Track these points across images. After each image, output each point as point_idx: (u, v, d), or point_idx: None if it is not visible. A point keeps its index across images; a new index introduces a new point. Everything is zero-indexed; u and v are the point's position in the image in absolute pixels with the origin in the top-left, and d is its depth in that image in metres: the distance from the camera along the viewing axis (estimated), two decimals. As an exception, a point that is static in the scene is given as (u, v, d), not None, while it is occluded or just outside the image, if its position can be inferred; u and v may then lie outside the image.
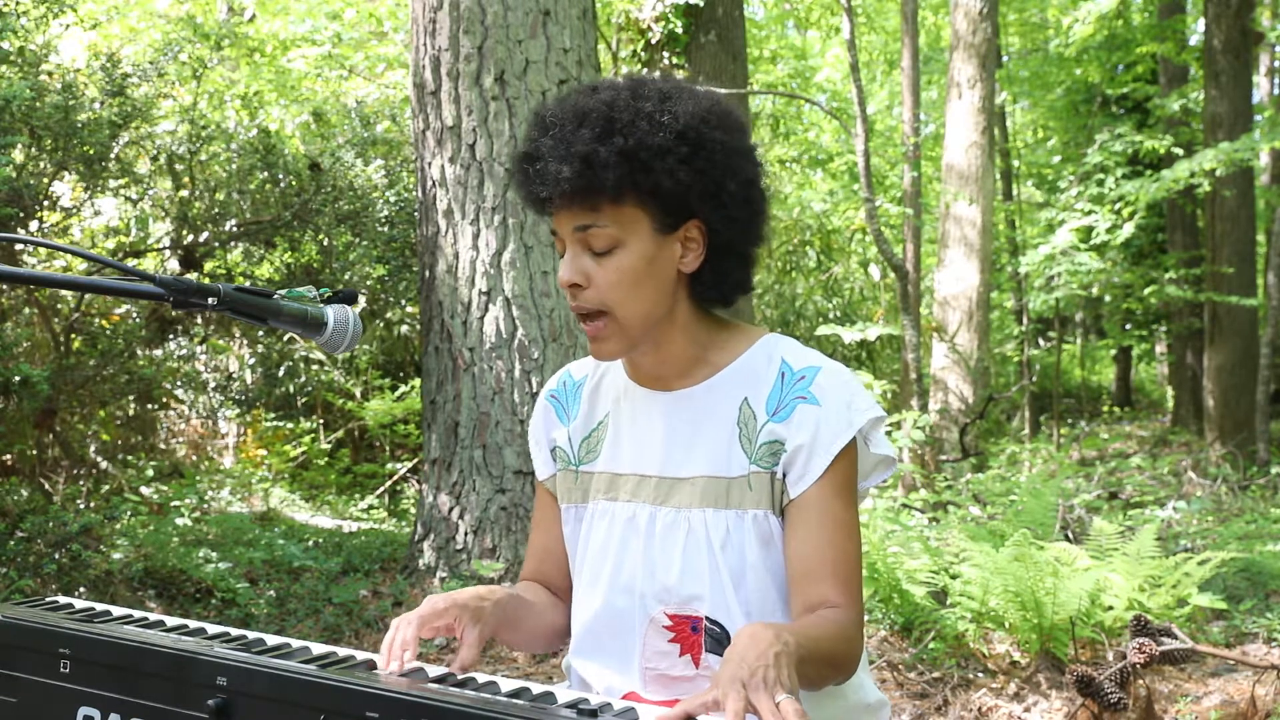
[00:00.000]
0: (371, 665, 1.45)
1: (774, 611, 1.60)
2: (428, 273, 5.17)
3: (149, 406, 6.77)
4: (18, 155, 4.81)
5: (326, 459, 8.67)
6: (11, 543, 4.29)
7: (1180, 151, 10.91)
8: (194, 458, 8.17)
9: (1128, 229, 10.55)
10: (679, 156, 1.52)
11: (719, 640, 1.59)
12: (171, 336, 6.23)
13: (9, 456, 5.94)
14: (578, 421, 1.75)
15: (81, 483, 5.93)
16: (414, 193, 6.00)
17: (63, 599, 1.63)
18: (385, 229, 6.54)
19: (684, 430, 1.64)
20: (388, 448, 8.81)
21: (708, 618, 1.59)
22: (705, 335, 1.66)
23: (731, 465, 1.60)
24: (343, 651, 1.45)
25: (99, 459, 6.41)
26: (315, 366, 7.97)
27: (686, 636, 1.61)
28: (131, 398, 6.21)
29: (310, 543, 6.07)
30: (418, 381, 7.36)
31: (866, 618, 4.06)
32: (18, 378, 4.37)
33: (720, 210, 1.58)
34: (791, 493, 1.58)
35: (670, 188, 1.53)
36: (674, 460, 1.63)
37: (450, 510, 4.99)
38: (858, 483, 1.63)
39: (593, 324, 1.59)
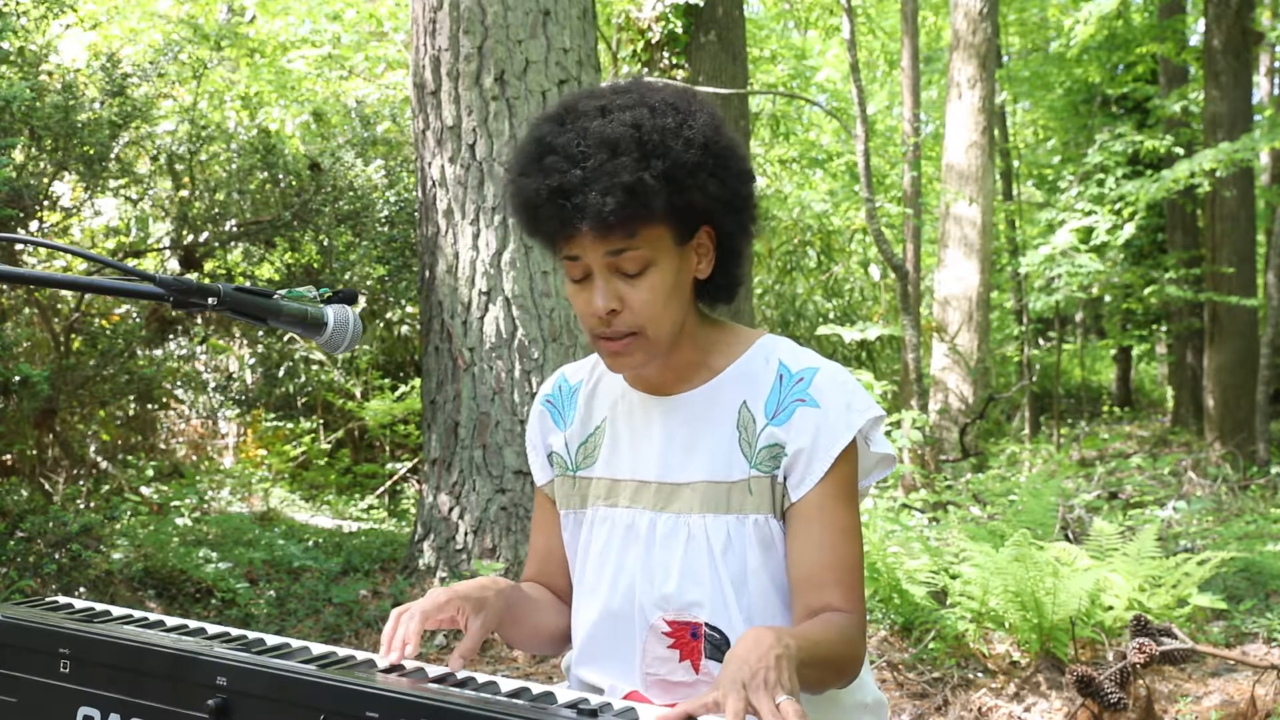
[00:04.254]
0: (372, 665, 1.45)
1: (775, 616, 1.59)
2: (428, 273, 5.17)
3: (149, 406, 6.76)
4: (18, 155, 4.80)
5: (326, 459, 8.66)
6: (11, 543, 4.29)
7: (1180, 151, 10.91)
8: (194, 458, 8.17)
9: (1128, 229, 10.56)
10: (708, 170, 1.52)
11: (718, 646, 1.58)
12: (171, 336, 6.22)
13: (9, 456, 5.94)
14: (574, 427, 1.74)
15: (81, 483, 5.93)
16: (414, 193, 6.00)
17: (63, 599, 1.63)
18: (385, 229, 6.54)
19: (683, 435, 1.63)
20: (388, 448, 8.81)
21: (707, 624, 1.59)
22: (705, 339, 1.65)
23: (732, 470, 1.59)
24: (343, 651, 1.45)
25: (99, 459, 6.41)
26: (315, 366, 7.96)
27: (686, 642, 1.60)
28: (131, 398, 6.21)
29: (310, 543, 6.07)
30: (418, 381, 7.36)
31: (866, 618, 4.06)
32: (18, 378, 4.37)
33: (734, 215, 1.59)
34: (792, 496, 1.57)
35: (700, 202, 1.53)
36: (673, 466, 1.62)
37: (450, 510, 4.99)
38: (858, 483, 1.63)
39: (619, 342, 1.56)
